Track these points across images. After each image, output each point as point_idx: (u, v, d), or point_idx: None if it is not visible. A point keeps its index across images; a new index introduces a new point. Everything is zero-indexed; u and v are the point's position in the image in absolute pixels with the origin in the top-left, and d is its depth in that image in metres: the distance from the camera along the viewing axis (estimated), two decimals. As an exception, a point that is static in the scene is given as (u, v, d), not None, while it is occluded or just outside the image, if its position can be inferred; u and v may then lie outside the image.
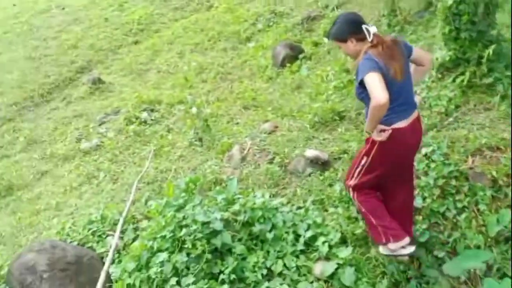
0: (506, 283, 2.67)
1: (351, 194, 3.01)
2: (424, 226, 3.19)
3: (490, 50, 4.05)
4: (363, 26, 2.69)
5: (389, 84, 2.53)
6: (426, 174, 3.48)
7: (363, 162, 2.86)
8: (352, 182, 2.96)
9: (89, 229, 3.95)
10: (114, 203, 4.44)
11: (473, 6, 4.09)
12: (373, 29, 2.69)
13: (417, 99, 3.09)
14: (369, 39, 2.67)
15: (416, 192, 3.36)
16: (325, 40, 7.28)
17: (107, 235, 3.92)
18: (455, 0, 4.11)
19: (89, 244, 3.82)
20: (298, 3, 8.92)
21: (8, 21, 10.71)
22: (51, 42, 9.37)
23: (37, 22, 10.32)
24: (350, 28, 2.73)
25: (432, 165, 3.49)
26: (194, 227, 3.18)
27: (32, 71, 8.35)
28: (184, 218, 3.28)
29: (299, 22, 8.15)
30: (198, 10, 10.39)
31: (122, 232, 3.87)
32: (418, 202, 3.34)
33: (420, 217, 3.29)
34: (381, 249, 2.96)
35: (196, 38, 8.85)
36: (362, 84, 2.60)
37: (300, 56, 6.98)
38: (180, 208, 3.47)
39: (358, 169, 2.90)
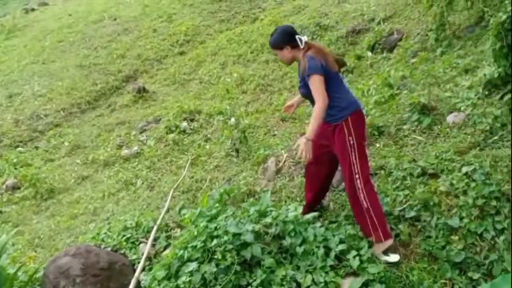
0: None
1: (360, 190, 3.09)
2: (460, 247, 3.03)
3: (542, 68, 3.84)
4: (297, 37, 3.14)
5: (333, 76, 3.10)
6: (465, 193, 3.30)
7: (351, 142, 3.07)
8: (357, 176, 3.09)
9: (123, 236, 4.03)
10: (149, 211, 4.53)
11: (528, 22, 3.89)
12: (304, 38, 3.15)
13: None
14: (301, 47, 3.13)
15: (453, 210, 3.27)
16: (369, 53, 7.17)
17: (140, 242, 3.98)
18: (509, 16, 3.92)
19: (122, 250, 3.89)
20: (343, 16, 8.83)
21: (63, 30, 11.29)
22: (101, 51, 9.78)
23: (89, 31, 10.81)
24: (285, 38, 3.17)
25: (472, 184, 3.31)
26: (225, 238, 3.16)
27: (82, 78, 8.73)
28: (216, 228, 3.28)
29: (344, 35, 8.07)
30: (243, 23, 10.52)
31: (155, 239, 3.92)
32: (455, 222, 3.19)
33: (456, 237, 3.13)
34: (378, 248, 3.12)
35: (239, 50, 8.95)
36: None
37: (342, 69, 6.86)
38: (212, 218, 3.47)
39: (354, 157, 3.07)
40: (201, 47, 9.63)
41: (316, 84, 2.98)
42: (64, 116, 7.79)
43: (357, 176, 3.08)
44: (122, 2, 12.86)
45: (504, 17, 3.92)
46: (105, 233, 4.15)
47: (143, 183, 5.28)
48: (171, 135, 6.22)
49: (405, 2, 8.15)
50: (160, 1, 12.22)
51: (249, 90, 7.44)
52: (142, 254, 3.74)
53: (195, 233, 3.34)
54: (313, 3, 9.99)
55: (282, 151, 4.91)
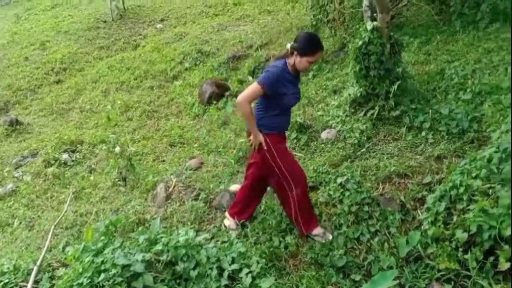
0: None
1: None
2: (341, 252, 3.29)
3: (395, 86, 4.39)
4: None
5: None
6: (341, 202, 3.63)
7: None
8: None
9: (0, 282, 3.65)
10: (29, 252, 4.17)
11: (381, 46, 4.43)
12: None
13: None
14: None
15: (333, 219, 3.56)
16: (250, 78, 7.52)
17: (20, 287, 3.64)
18: (364, 41, 4.43)
19: (-1, 298, 3.53)
20: (223, 44, 9.17)
21: None
22: (-37, 83, 8.86)
23: None
24: None
25: (347, 193, 3.65)
26: (114, 271, 3.04)
27: None
28: (103, 262, 3.14)
29: (225, 61, 8.36)
30: (124, 49, 10.33)
31: (37, 282, 3.62)
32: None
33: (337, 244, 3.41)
34: None
35: (122, 77, 8.76)
36: None
37: (226, 93, 7.12)
38: (98, 252, 3.31)
39: None
40: (79, 75, 9.23)
41: None
42: None
43: None
44: (-14, 29, 11.87)
45: (360, 42, 4.43)
46: (-23, 282, 3.72)
47: (20, 223, 4.85)
48: (51, 169, 5.83)
49: (278, 30, 8.77)
50: (31, 28, 11.51)
51: (135, 117, 7.32)
52: (22, 300, 3.43)
53: (80, 269, 3.15)
54: (193, 30, 10.23)
55: (171, 176, 4.90)
